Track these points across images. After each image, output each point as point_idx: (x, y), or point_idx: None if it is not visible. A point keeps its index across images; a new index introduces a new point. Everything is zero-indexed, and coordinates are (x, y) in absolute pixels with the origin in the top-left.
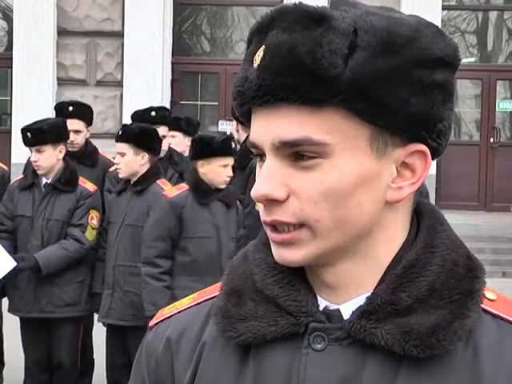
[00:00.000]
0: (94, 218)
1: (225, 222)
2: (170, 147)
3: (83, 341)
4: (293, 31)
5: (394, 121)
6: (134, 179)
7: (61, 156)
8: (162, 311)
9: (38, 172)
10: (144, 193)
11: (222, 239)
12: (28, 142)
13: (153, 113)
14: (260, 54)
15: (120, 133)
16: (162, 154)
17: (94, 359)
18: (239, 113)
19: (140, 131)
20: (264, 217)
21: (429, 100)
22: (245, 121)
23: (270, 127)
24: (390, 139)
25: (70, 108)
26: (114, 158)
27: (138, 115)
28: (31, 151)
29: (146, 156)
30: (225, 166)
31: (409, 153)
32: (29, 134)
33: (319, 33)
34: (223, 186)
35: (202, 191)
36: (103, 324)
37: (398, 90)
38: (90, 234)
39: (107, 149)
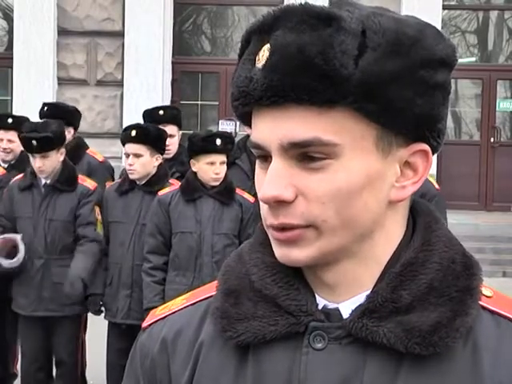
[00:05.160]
0: (99, 214)
1: (212, 217)
2: (180, 146)
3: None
4: (301, 31)
5: (400, 121)
6: (144, 180)
7: (62, 158)
8: (155, 312)
9: (41, 176)
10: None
11: (205, 234)
12: (32, 149)
13: (161, 111)
14: (264, 53)
15: (134, 133)
16: (171, 154)
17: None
18: (239, 113)
19: (158, 133)
20: (270, 220)
21: (431, 100)
22: (243, 121)
23: (278, 128)
24: (394, 139)
25: (45, 108)
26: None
27: (148, 114)
28: (34, 157)
29: (160, 158)
30: (211, 163)
31: (412, 152)
32: (34, 141)
33: (328, 33)
34: (215, 184)
35: (189, 188)
36: (120, 325)
37: (405, 91)
38: (100, 228)
39: (107, 148)
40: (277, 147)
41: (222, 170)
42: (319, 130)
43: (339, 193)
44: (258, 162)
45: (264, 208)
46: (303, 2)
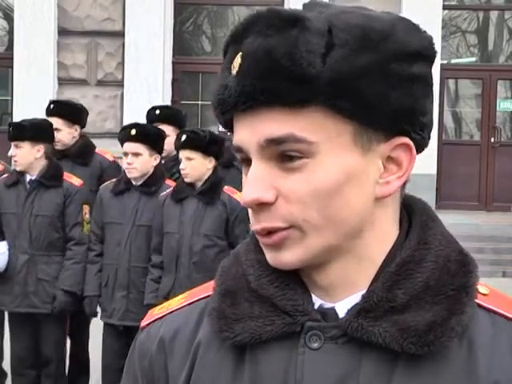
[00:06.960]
0: (86, 213)
1: (194, 218)
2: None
3: (76, 340)
4: (268, 35)
5: (376, 116)
6: (141, 180)
7: (39, 155)
8: (153, 311)
9: (16, 168)
10: (156, 194)
11: (185, 236)
12: (9, 137)
13: (157, 111)
14: (238, 60)
15: (134, 132)
16: (165, 153)
17: (88, 359)
18: (222, 122)
19: (157, 133)
20: (254, 225)
21: (409, 93)
22: (228, 130)
23: (254, 129)
24: (373, 135)
25: (51, 106)
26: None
27: (146, 113)
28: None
29: (158, 157)
30: (184, 158)
31: (393, 147)
32: (11, 128)
33: (294, 34)
34: (187, 180)
35: (177, 189)
36: (117, 327)
37: (377, 86)
38: (86, 229)
39: (108, 148)
40: (255, 148)
41: (188, 165)
42: (294, 127)
43: (318, 192)
44: (242, 167)
45: (250, 213)
46: (269, 7)
